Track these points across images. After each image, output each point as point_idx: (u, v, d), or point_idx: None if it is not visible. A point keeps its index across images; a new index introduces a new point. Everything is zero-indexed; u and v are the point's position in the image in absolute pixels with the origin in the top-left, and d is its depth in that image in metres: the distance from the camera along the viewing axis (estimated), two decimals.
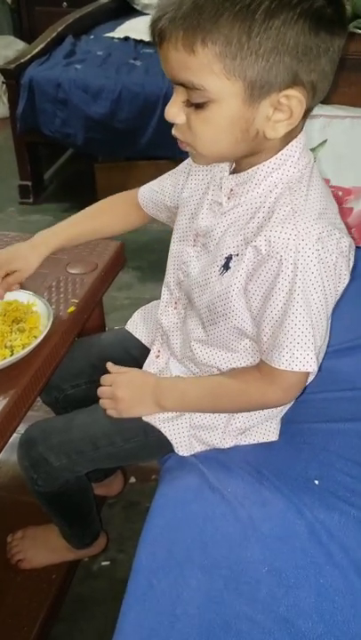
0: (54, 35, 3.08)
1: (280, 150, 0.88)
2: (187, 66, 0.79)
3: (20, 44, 3.95)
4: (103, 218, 1.24)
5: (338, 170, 1.71)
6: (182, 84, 0.82)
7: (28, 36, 4.03)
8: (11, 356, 1.05)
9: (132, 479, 1.68)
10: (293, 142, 0.89)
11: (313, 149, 1.75)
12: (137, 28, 3.19)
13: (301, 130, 0.90)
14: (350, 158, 1.71)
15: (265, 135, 0.84)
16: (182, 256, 1.06)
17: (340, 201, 1.69)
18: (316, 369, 0.92)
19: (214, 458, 1.07)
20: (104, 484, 1.52)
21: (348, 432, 1.11)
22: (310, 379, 1.02)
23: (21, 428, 1.20)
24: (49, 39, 3.04)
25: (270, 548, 0.92)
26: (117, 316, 1.89)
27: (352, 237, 1.68)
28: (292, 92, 0.80)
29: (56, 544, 1.33)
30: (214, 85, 0.79)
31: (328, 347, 1.10)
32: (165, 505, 1.02)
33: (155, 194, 1.15)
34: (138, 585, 0.90)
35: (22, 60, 2.83)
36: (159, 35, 0.80)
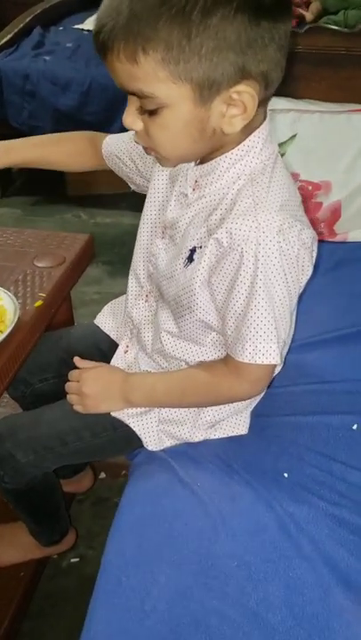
0: (22, 25, 3.03)
1: (242, 142, 0.88)
2: (133, 76, 0.78)
3: None
4: (61, 148, 1.22)
5: (307, 164, 1.71)
6: (133, 93, 0.81)
7: None
8: None
9: (102, 475, 1.67)
10: (256, 133, 0.88)
11: (283, 144, 1.75)
12: None
13: (264, 119, 0.89)
14: (319, 153, 1.72)
15: (223, 131, 0.84)
16: (151, 248, 1.05)
17: (309, 195, 1.70)
18: (279, 361, 0.92)
19: (184, 452, 1.07)
20: (73, 481, 1.51)
21: (316, 425, 1.12)
22: (278, 370, 1.01)
23: None
24: (16, 30, 2.98)
25: (240, 542, 0.92)
26: (87, 311, 1.87)
27: (321, 232, 1.71)
28: (242, 87, 0.79)
29: (24, 541, 1.32)
30: (163, 92, 0.79)
31: (295, 341, 1.11)
32: (135, 500, 1.01)
33: (119, 162, 1.13)
34: (106, 581, 0.89)
35: None
36: (102, 47, 0.79)
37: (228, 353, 0.95)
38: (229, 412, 1.08)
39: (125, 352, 1.14)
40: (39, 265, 1.30)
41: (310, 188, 1.70)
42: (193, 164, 0.95)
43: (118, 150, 1.12)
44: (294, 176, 1.70)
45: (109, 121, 2.71)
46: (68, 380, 1.10)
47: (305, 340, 1.27)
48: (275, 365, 0.96)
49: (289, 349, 1.04)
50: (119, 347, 1.16)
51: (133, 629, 0.82)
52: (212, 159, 0.90)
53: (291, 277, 0.89)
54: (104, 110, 2.70)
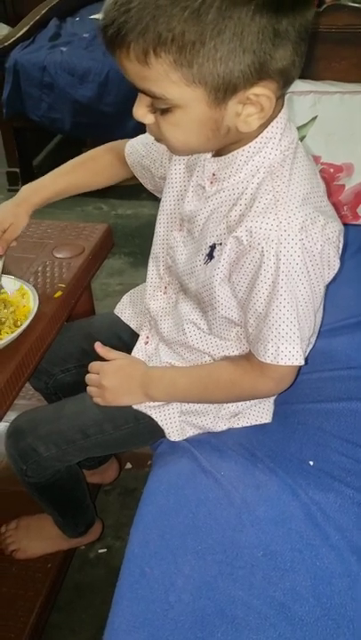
0: (38, 17, 3.02)
1: (260, 133, 0.84)
2: (143, 76, 0.75)
3: (4, 29, 3.87)
4: (88, 169, 1.20)
5: (328, 146, 1.67)
6: (143, 92, 0.78)
7: (13, 19, 3.95)
8: None
9: (128, 465, 1.66)
10: (273, 123, 0.84)
11: (303, 126, 1.72)
12: None
13: (282, 107, 0.85)
14: (340, 134, 1.68)
15: (238, 130, 0.81)
16: (169, 240, 1.03)
17: (331, 178, 1.66)
18: (302, 362, 0.90)
19: (207, 441, 1.05)
20: (98, 472, 1.50)
21: (342, 411, 1.09)
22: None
23: (10, 417, 1.18)
24: (33, 22, 2.98)
25: (265, 531, 0.90)
26: (110, 302, 1.85)
27: (344, 214, 1.67)
28: (259, 89, 0.75)
29: (50, 533, 1.32)
30: (175, 93, 0.75)
31: (322, 326, 1.08)
32: (158, 491, 1.00)
33: (142, 158, 1.11)
34: (130, 573, 0.88)
35: (6, 44, 2.77)
36: (109, 44, 0.75)
37: (251, 351, 0.93)
38: (252, 402, 1.07)
39: (146, 343, 1.13)
40: (58, 256, 1.30)
41: (332, 170, 1.66)
42: (210, 155, 0.92)
43: (141, 159, 1.12)
44: (316, 159, 1.66)
45: (128, 111, 2.67)
46: (88, 371, 1.09)
47: (330, 326, 1.24)
48: (298, 367, 0.94)
49: None
50: (140, 337, 1.15)
51: (157, 621, 0.81)
52: (229, 151, 0.87)
53: (315, 275, 0.86)
54: (122, 101, 2.67)
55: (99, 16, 2.97)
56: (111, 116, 2.71)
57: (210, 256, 0.92)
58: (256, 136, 0.84)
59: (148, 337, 1.13)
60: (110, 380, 1.05)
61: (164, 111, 0.78)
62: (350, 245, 1.56)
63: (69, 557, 1.41)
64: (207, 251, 0.92)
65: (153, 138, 1.07)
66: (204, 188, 0.93)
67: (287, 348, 0.88)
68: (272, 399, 1.09)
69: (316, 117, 1.70)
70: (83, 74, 2.67)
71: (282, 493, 0.95)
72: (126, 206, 2.88)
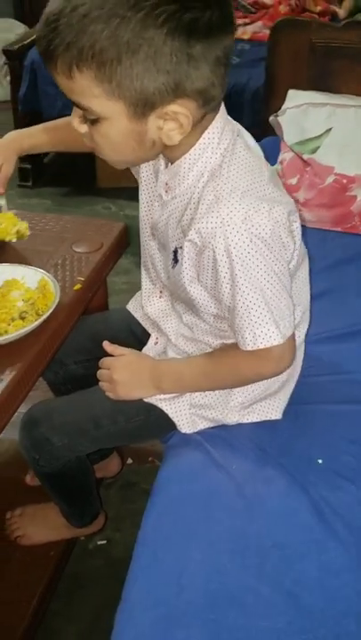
0: None
1: (198, 140, 0.89)
2: (71, 89, 0.81)
3: (21, 28, 3.91)
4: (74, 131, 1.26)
5: (342, 158, 1.71)
6: (74, 104, 0.84)
7: (29, 19, 3.98)
8: (22, 328, 1.05)
9: (130, 460, 1.68)
10: (209, 129, 0.89)
11: (318, 137, 1.75)
12: None
13: (217, 113, 0.89)
14: (354, 147, 1.72)
15: (163, 142, 0.86)
16: (149, 249, 1.08)
17: (343, 189, 1.70)
18: (282, 340, 0.92)
19: (218, 435, 1.08)
20: (101, 466, 1.52)
21: (351, 414, 1.12)
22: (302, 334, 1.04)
23: (22, 408, 1.20)
24: None
25: (275, 523, 0.93)
26: (116, 300, 1.88)
27: (355, 225, 1.70)
28: (175, 107, 0.81)
29: (55, 522, 1.34)
30: (98, 106, 0.81)
31: (332, 331, 1.11)
32: (170, 481, 1.02)
33: None
34: (143, 556, 0.90)
35: (25, 42, 2.81)
36: (42, 58, 0.81)
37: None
38: (260, 396, 1.09)
39: (155, 343, 1.16)
40: (77, 250, 1.32)
41: (345, 181, 1.69)
42: (163, 165, 0.97)
43: None
44: (329, 170, 1.70)
45: None
46: (99, 366, 1.11)
47: (341, 331, 1.28)
48: (293, 341, 0.97)
49: (324, 340, 1.05)
50: (150, 337, 1.18)
51: (171, 601, 0.83)
52: (174, 160, 0.92)
53: (271, 258, 0.89)
54: None
55: None
56: None
57: (175, 260, 0.96)
58: (194, 144, 0.89)
59: (157, 338, 1.16)
60: (121, 373, 1.08)
61: (94, 122, 0.85)
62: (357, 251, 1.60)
63: (71, 547, 1.43)
64: (172, 255, 0.97)
65: None
66: (161, 196, 0.98)
67: (263, 331, 0.91)
68: (282, 395, 1.12)
69: (330, 129, 1.74)
70: None
71: (291, 489, 0.98)
72: (134, 207, 2.88)
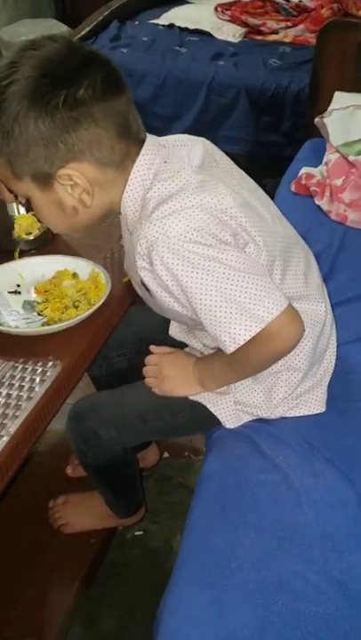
0: (100, 18, 3.10)
1: (124, 187, 0.94)
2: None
3: (62, 27, 3.96)
4: None
5: None
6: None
7: (70, 19, 4.04)
8: (76, 316, 1.08)
9: (166, 454, 1.71)
10: (131, 177, 0.93)
11: (358, 141, 1.76)
12: (182, 16, 3.20)
13: (135, 157, 0.94)
14: None
15: (84, 205, 0.92)
16: (141, 292, 1.09)
17: None
18: (260, 327, 0.88)
19: (264, 429, 1.09)
20: (140, 456, 1.54)
21: None
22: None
23: (69, 400, 1.23)
24: (95, 22, 3.06)
25: (323, 514, 0.94)
26: None
27: None
28: (68, 170, 0.89)
29: (100, 511, 1.36)
30: (16, 187, 0.93)
31: None
32: (217, 471, 1.04)
33: None
34: (192, 541, 0.92)
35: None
36: None
37: None
38: (301, 391, 1.10)
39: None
40: None
41: None
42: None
43: None
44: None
45: (180, 114, 2.77)
46: (145, 363, 1.13)
47: None
48: (290, 309, 0.90)
49: None
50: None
51: (220, 584, 0.85)
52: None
53: (213, 251, 0.88)
54: (177, 103, 2.74)
55: (158, 21, 3.06)
56: (164, 118, 2.78)
57: (148, 290, 0.99)
58: (122, 189, 0.94)
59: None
60: (168, 370, 1.10)
61: (27, 200, 0.94)
62: None
63: (111, 536, 1.46)
64: (144, 288, 0.99)
65: None
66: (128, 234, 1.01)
67: (237, 328, 0.88)
68: (321, 387, 1.12)
69: None
70: (141, 75, 2.74)
71: (339, 482, 0.99)
72: None
